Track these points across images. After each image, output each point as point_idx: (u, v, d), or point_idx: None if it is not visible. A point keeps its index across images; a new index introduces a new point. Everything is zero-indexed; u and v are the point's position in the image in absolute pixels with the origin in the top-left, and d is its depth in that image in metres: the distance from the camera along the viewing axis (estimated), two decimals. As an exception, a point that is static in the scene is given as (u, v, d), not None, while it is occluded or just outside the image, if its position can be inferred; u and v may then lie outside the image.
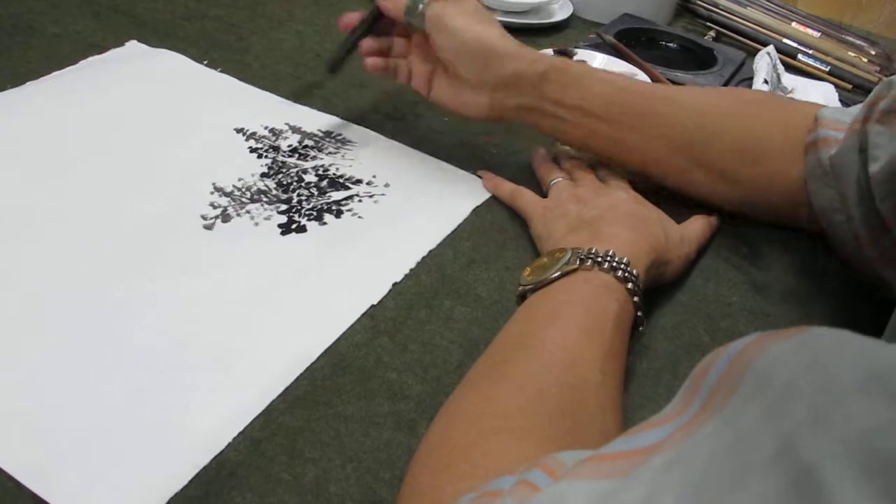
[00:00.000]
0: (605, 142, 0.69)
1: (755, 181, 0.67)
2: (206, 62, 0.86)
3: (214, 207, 0.65)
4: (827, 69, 1.05)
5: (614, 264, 0.54)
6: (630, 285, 0.53)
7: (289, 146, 0.74)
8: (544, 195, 0.70)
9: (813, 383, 0.22)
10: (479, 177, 0.73)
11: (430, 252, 0.64)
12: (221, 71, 0.85)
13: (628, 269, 0.54)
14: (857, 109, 0.63)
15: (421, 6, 0.68)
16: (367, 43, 0.73)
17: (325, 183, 0.69)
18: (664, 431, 0.27)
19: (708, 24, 1.16)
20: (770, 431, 0.22)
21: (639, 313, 0.54)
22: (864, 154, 0.59)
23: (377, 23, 0.73)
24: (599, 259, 0.54)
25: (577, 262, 0.54)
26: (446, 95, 0.72)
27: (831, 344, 0.23)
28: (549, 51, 0.93)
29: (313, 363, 0.53)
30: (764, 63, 0.96)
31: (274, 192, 0.68)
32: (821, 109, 0.67)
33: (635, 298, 0.54)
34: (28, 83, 0.78)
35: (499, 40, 0.68)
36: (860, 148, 0.59)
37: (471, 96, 0.70)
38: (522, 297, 0.56)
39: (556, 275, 0.54)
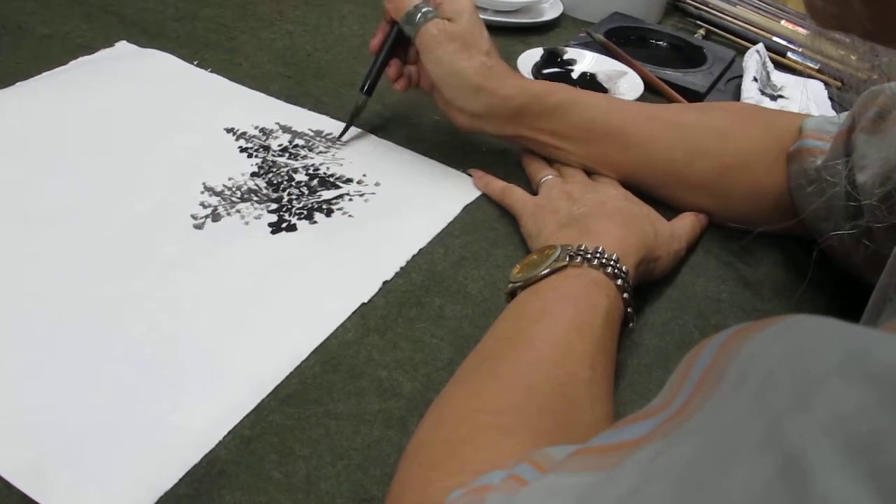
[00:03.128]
0: (588, 161, 0.71)
1: (740, 194, 0.68)
2: (196, 62, 0.86)
3: (205, 207, 0.65)
4: (816, 67, 1.05)
5: (604, 261, 0.54)
6: (619, 282, 0.53)
7: (279, 145, 0.74)
8: (534, 193, 0.70)
9: (793, 369, 0.22)
10: (470, 175, 0.73)
11: (421, 250, 0.64)
12: (212, 71, 0.85)
13: (618, 265, 0.54)
14: (841, 119, 0.63)
15: (419, 17, 0.69)
16: (393, 69, 0.74)
17: (315, 182, 0.69)
18: (651, 424, 0.28)
19: (698, 22, 1.17)
20: (754, 420, 0.22)
21: (628, 310, 0.54)
22: (849, 164, 0.59)
23: (400, 40, 0.73)
24: (589, 256, 0.54)
25: (567, 259, 0.54)
26: (441, 102, 0.73)
27: (809, 329, 0.23)
28: (540, 50, 0.93)
29: (304, 361, 0.53)
30: (753, 61, 0.96)
31: (264, 191, 0.68)
32: (805, 119, 0.68)
33: (625, 295, 0.54)
34: (17, 83, 0.78)
35: (476, 75, 0.68)
36: (846, 157, 0.59)
37: (456, 113, 0.72)
38: (512, 294, 0.56)
39: (546, 272, 0.54)
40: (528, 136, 0.71)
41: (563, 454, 0.31)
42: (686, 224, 0.67)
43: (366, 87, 0.75)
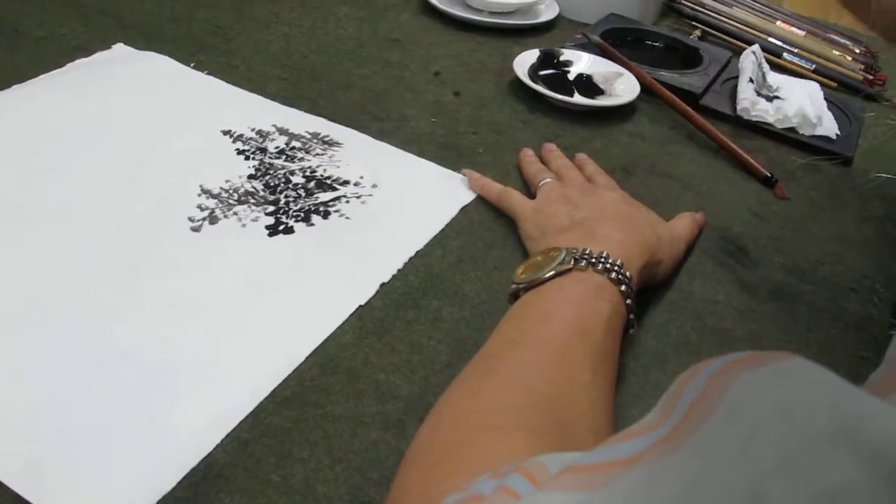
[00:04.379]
0: None
1: None
2: (192, 64, 0.86)
3: (202, 209, 0.65)
4: (812, 68, 1.05)
5: (608, 266, 0.54)
6: (623, 287, 0.53)
7: (276, 148, 0.74)
8: (531, 195, 0.70)
9: (782, 427, 0.22)
10: (464, 175, 0.73)
11: (418, 252, 0.64)
12: (208, 73, 0.85)
13: (622, 271, 0.54)
14: None
15: None
16: None
17: (312, 184, 0.69)
18: (641, 443, 0.27)
19: (693, 23, 1.17)
20: (740, 472, 0.22)
21: (631, 315, 0.54)
22: None
23: None
24: (594, 260, 0.54)
25: (572, 262, 0.54)
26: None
27: (804, 384, 0.23)
28: (536, 51, 0.93)
29: (301, 364, 0.53)
30: (749, 62, 0.96)
31: (261, 193, 0.67)
32: None
33: (628, 301, 0.54)
34: (14, 86, 0.78)
35: None
36: None
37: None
38: (515, 296, 0.56)
39: (551, 274, 0.54)
40: None
41: (555, 466, 0.31)
42: (685, 225, 0.67)
43: None
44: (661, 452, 0.26)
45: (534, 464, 0.32)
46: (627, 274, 0.54)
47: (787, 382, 0.24)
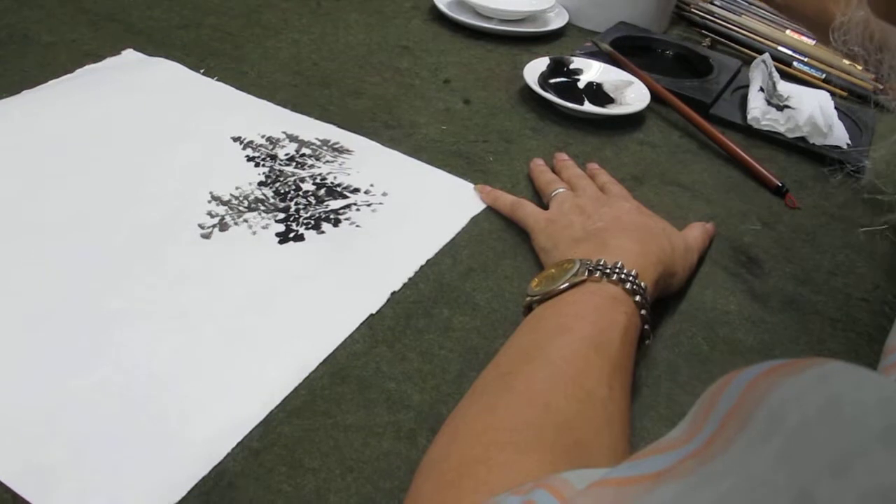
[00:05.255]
0: None
1: None
2: (202, 71, 0.86)
3: (212, 216, 0.65)
4: (822, 76, 1.05)
5: (622, 276, 0.53)
6: (638, 298, 0.53)
7: (286, 155, 0.74)
8: (542, 205, 0.69)
9: (830, 428, 0.21)
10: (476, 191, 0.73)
11: (429, 261, 0.64)
12: (218, 79, 0.85)
13: (636, 281, 0.53)
14: None
15: None
16: None
17: (322, 192, 0.69)
18: (672, 458, 0.27)
19: (703, 32, 1.17)
20: (785, 478, 0.21)
21: (646, 326, 0.54)
22: None
23: None
24: (608, 271, 0.53)
25: (586, 274, 0.54)
26: None
27: (848, 384, 0.23)
28: (546, 59, 0.93)
29: (312, 373, 0.53)
30: (759, 71, 0.96)
31: (271, 200, 0.67)
32: None
33: (643, 311, 0.53)
34: (24, 92, 0.78)
35: None
36: None
37: None
38: (529, 308, 0.55)
39: (565, 286, 0.53)
40: None
41: (582, 483, 0.31)
42: (697, 235, 0.67)
43: None
44: (696, 463, 0.25)
45: (557, 480, 0.32)
46: (642, 284, 0.54)
47: (832, 384, 0.23)
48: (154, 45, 0.90)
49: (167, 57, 0.87)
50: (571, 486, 0.31)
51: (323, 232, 0.65)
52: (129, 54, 0.88)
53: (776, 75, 0.98)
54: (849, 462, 0.20)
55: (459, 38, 1.04)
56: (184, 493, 0.44)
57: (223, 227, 0.64)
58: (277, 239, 0.63)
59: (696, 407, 0.28)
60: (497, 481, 0.38)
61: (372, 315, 0.58)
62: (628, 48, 1.04)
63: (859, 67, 1.08)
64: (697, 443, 0.26)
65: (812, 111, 0.90)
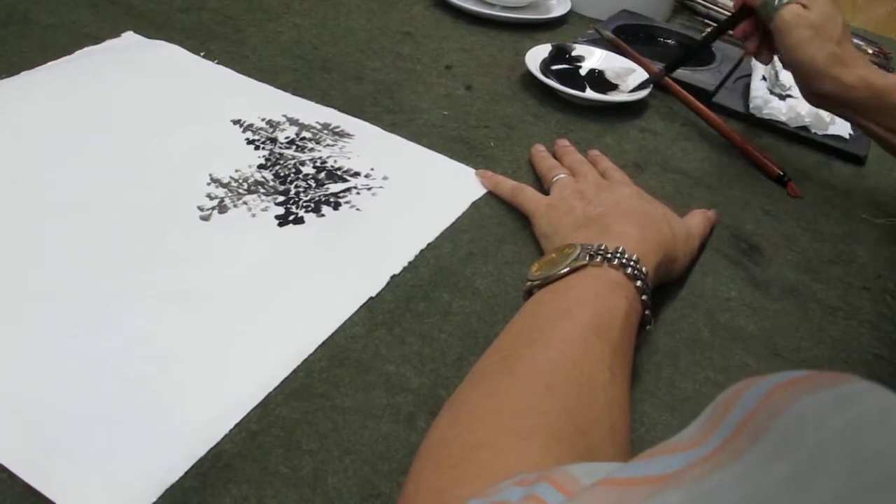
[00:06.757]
0: None
1: None
2: (202, 54, 0.86)
3: (211, 198, 0.64)
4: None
5: (624, 261, 0.53)
6: (639, 283, 0.53)
7: (286, 138, 0.73)
8: (543, 191, 0.69)
9: (847, 459, 0.20)
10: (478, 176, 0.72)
11: (429, 245, 0.63)
12: (218, 63, 0.84)
13: (638, 266, 0.53)
14: None
15: (776, 2, 0.72)
16: (742, 29, 0.79)
17: (322, 175, 0.69)
18: (679, 460, 0.26)
19: (706, 20, 1.16)
20: (794, 502, 0.21)
21: (646, 311, 0.53)
22: None
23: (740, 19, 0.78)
24: (609, 255, 0.53)
25: (587, 258, 0.53)
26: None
27: (871, 413, 0.21)
28: (548, 46, 0.92)
29: (311, 355, 0.53)
30: (762, 60, 0.95)
31: (271, 183, 0.67)
32: None
33: (644, 297, 0.53)
34: (23, 73, 0.78)
35: (823, 63, 0.71)
36: None
37: (801, 89, 0.76)
38: (529, 293, 0.55)
39: (566, 270, 0.53)
40: (865, 126, 0.73)
41: (587, 478, 0.30)
42: (698, 222, 0.67)
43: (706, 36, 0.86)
44: (704, 470, 0.24)
45: (562, 473, 0.31)
46: (643, 269, 0.53)
47: (853, 408, 0.22)
48: (154, 28, 0.90)
49: (167, 40, 0.87)
50: (576, 482, 0.31)
51: (323, 215, 0.64)
52: (130, 37, 0.87)
53: (778, 65, 0.97)
54: (863, 499, 0.19)
55: (462, 25, 1.03)
56: (181, 473, 0.44)
57: (222, 209, 0.63)
58: (277, 222, 0.63)
59: (710, 408, 0.27)
60: (499, 467, 0.38)
61: (371, 298, 0.58)
62: (631, 36, 1.04)
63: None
64: (709, 447, 0.25)
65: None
